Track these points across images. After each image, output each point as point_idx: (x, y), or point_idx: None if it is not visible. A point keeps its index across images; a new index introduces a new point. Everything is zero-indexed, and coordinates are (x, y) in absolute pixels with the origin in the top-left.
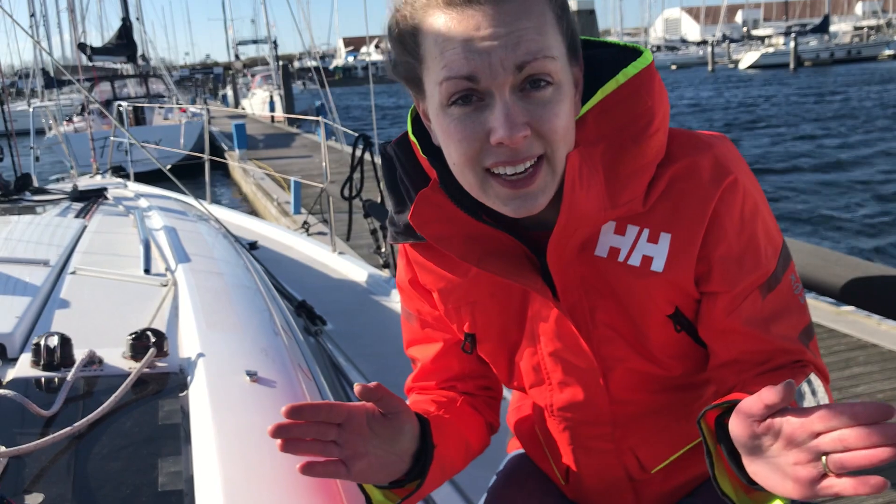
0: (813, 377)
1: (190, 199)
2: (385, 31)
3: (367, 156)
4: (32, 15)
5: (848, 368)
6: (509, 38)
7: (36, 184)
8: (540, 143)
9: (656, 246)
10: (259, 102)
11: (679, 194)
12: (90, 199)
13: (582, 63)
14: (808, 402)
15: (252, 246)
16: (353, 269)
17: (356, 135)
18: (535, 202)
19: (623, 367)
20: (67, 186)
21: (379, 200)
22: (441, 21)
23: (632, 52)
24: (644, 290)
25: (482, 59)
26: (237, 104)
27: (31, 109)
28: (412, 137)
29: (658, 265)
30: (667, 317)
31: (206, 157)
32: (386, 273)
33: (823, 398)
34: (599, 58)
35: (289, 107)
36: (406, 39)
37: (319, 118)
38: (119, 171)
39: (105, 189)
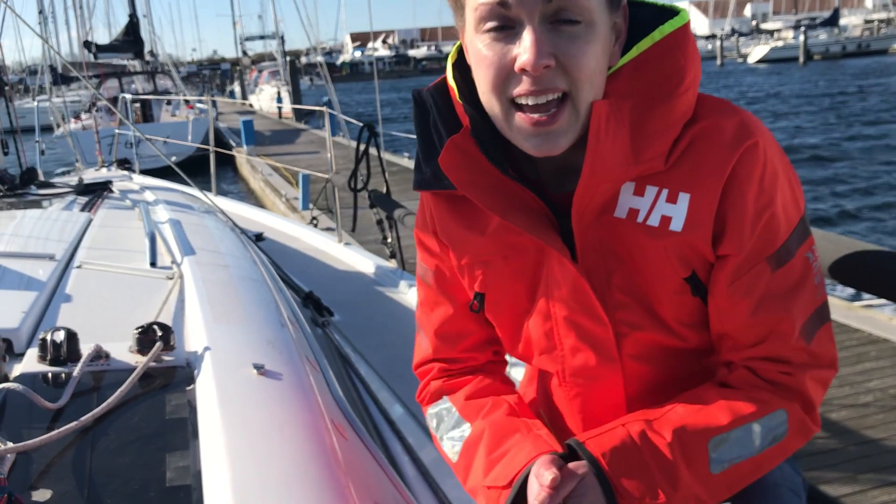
0: (773, 416)
1: (195, 192)
2: None
3: (372, 150)
4: (41, 12)
5: (860, 363)
6: None
7: (41, 178)
8: (564, 79)
9: (675, 206)
10: (267, 98)
11: (699, 154)
12: (95, 193)
13: (626, 14)
14: (754, 439)
15: (258, 238)
16: (360, 260)
17: (360, 125)
18: (556, 142)
19: (637, 334)
20: (73, 180)
21: (384, 191)
22: None
23: (668, 12)
24: (663, 250)
25: None
26: (244, 100)
27: (35, 104)
28: (451, 82)
29: (677, 225)
30: (683, 280)
31: (210, 148)
32: (393, 264)
33: (770, 437)
34: (638, 16)
35: (296, 103)
36: None
37: (324, 108)
38: (124, 163)
39: (110, 182)
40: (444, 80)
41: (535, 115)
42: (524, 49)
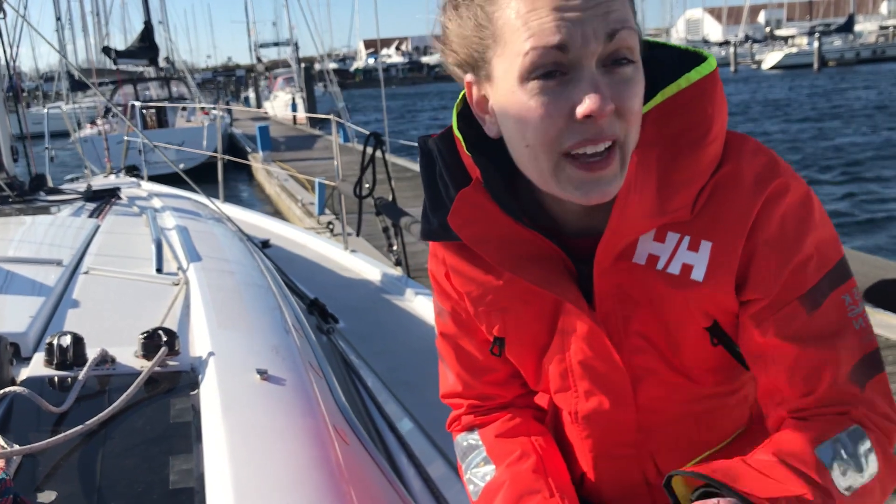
0: (850, 433)
1: (203, 199)
2: (442, 4)
3: (379, 155)
4: (58, 19)
5: None
6: (599, 8)
7: (50, 184)
8: (618, 125)
9: (696, 254)
10: (281, 105)
11: (721, 201)
12: (103, 199)
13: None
14: (842, 462)
15: (264, 244)
16: (366, 268)
17: (367, 133)
18: (608, 187)
19: (653, 378)
20: (81, 186)
21: (391, 198)
22: None
23: (693, 57)
24: (683, 300)
25: (575, 26)
26: (259, 106)
27: (46, 111)
28: (457, 133)
29: (698, 274)
30: (704, 329)
31: (219, 156)
32: (398, 271)
33: (861, 461)
34: (659, 59)
35: (311, 109)
36: (475, 12)
37: (331, 116)
38: (133, 170)
39: (118, 189)
40: (450, 129)
41: (590, 161)
42: (589, 95)
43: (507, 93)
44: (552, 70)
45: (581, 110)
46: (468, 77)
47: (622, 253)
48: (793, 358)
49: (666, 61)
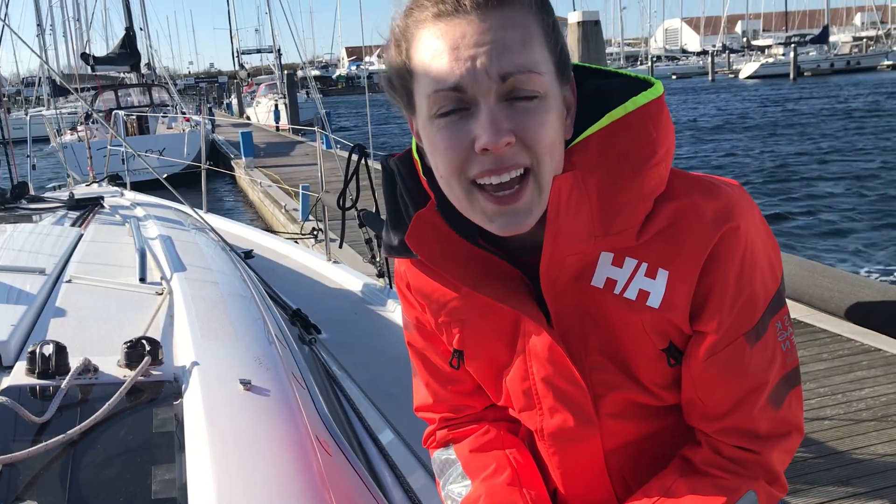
0: (743, 500)
1: (186, 208)
2: (384, 45)
3: (363, 166)
4: (39, 25)
5: (852, 372)
6: (494, 47)
7: (32, 192)
8: (525, 154)
9: (654, 281)
10: (264, 111)
11: (679, 233)
12: (87, 208)
13: (574, 88)
14: None
15: (247, 255)
16: (348, 279)
17: (351, 145)
18: (522, 220)
19: (615, 394)
20: (64, 194)
21: (374, 210)
22: (430, 33)
23: (643, 83)
24: (639, 323)
25: (467, 67)
26: (242, 113)
27: (27, 118)
28: (415, 155)
29: (654, 301)
30: (660, 350)
31: (202, 166)
32: (381, 282)
33: None
34: (610, 87)
35: (294, 115)
36: (400, 53)
37: (315, 128)
38: (116, 179)
39: (102, 198)
40: (410, 151)
41: (499, 194)
42: (483, 129)
43: (423, 126)
44: (454, 108)
45: (477, 145)
46: (406, 113)
47: (579, 274)
48: (727, 387)
49: (616, 88)
